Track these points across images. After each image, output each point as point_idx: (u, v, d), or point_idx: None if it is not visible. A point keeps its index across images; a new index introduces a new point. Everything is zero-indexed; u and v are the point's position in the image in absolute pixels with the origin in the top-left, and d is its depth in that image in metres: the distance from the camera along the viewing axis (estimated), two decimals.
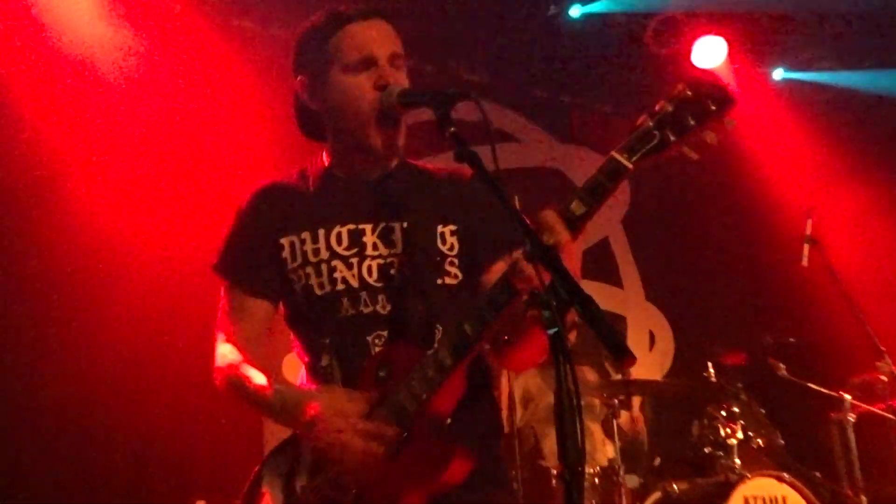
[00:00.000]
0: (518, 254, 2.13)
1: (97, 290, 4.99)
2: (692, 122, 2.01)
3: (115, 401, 4.93)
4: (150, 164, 5.25)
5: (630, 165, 2.05)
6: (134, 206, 5.13)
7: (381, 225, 2.43)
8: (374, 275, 2.39)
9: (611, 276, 7.33)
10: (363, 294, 2.38)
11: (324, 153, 2.57)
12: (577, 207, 2.09)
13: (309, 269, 2.41)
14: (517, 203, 2.13)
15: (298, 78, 2.49)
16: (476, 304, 2.20)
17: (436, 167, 2.60)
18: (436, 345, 2.29)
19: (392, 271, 2.39)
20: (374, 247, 2.41)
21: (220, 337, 2.51)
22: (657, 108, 2.05)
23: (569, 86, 7.36)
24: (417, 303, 2.36)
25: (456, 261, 2.43)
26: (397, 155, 2.47)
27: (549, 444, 5.42)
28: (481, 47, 6.89)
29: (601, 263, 7.26)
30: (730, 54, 6.83)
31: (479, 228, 2.44)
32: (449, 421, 2.27)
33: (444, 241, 2.43)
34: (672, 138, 2.03)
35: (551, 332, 1.75)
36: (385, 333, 2.36)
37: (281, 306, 2.53)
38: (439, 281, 2.40)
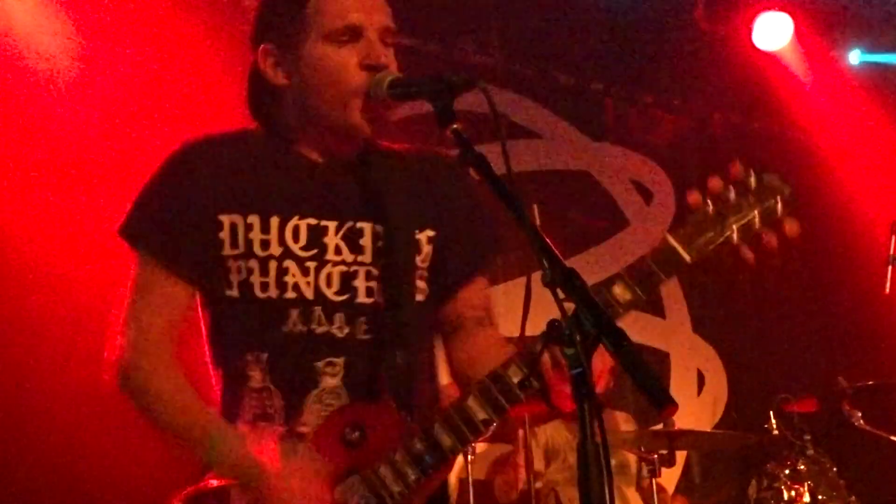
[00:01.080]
0: (535, 345, 2.16)
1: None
2: (758, 224, 2.20)
3: (45, 415, 4.99)
4: (96, 157, 5.30)
5: (689, 259, 2.18)
6: (82, 197, 5.20)
7: (348, 224, 2.39)
8: (334, 286, 2.36)
9: (650, 303, 7.32)
10: (317, 309, 2.34)
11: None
12: (621, 293, 2.23)
13: (252, 263, 2.34)
14: (535, 213, 2.13)
15: (261, 46, 2.42)
16: (491, 379, 2.21)
17: (407, 148, 2.56)
18: (416, 396, 2.30)
19: (355, 283, 2.37)
20: (337, 250, 2.37)
21: (133, 326, 2.34)
22: (713, 188, 2.18)
23: (601, 71, 7.37)
24: (383, 328, 2.34)
25: (425, 273, 2.43)
26: (383, 133, 2.43)
27: None
28: (495, 23, 6.91)
29: None
30: (797, 33, 6.84)
31: (458, 235, 2.46)
32: None
33: (419, 251, 2.43)
34: (735, 238, 2.19)
35: (575, 372, 1.74)
36: (339, 362, 2.33)
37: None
38: (413, 302, 2.40)
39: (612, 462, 5.62)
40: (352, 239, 2.38)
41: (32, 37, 5.35)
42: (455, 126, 2.09)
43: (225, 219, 2.35)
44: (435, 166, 2.51)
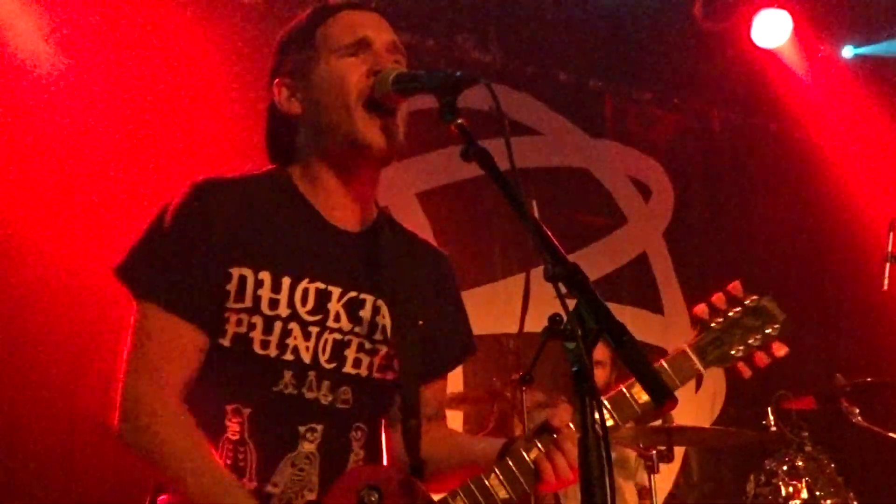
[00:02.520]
0: (563, 426, 2.34)
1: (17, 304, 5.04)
2: (755, 345, 2.53)
3: (44, 419, 4.99)
4: (91, 162, 5.28)
5: (703, 371, 2.50)
6: (79, 200, 5.19)
7: (351, 293, 2.40)
8: (327, 353, 2.36)
9: (649, 301, 7.33)
10: (311, 374, 2.34)
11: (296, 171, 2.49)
12: (640, 393, 2.40)
13: (256, 319, 2.31)
14: (534, 208, 2.14)
15: (275, 82, 2.47)
16: (514, 462, 2.33)
17: (418, 236, 2.64)
18: (454, 491, 2.33)
19: (346, 352, 2.38)
20: (336, 317, 2.38)
21: (145, 378, 2.28)
22: (720, 305, 2.53)
23: (601, 68, 7.37)
24: (364, 404, 2.40)
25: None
26: (396, 150, 2.41)
27: None
28: (494, 21, 6.91)
29: (638, 284, 7.26)
30: (795, 31, 6.84)
31: (440, 334, 2.54)
32: None
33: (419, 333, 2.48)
34: (737, 357, 2.53)
35: (576, 368, 1.75)
36: (319, 429, 2.33)
37: None
38: (417, 374, 2.46)
39: (613, 456, 5.65)
40: (352, 308, 2.39)
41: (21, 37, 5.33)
42: (459, 121, 2.10)
43: (235, 272, 2.31)
44: (436, 261, 2.62)
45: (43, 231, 5.10)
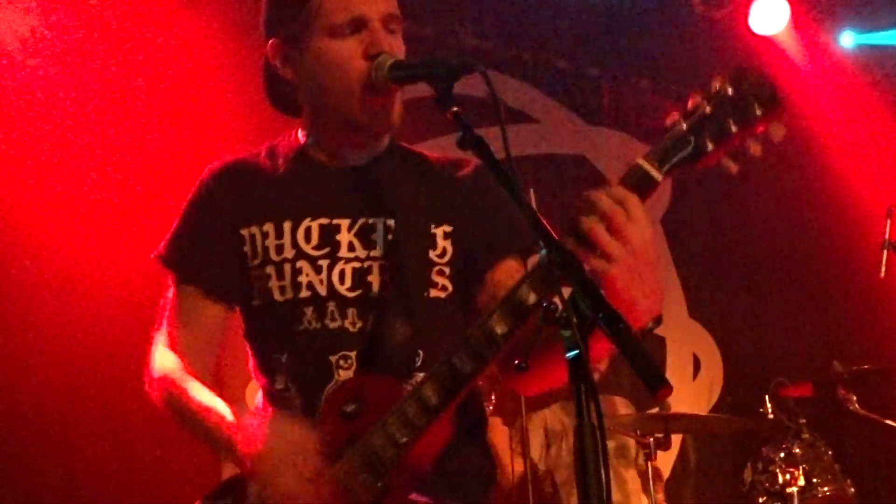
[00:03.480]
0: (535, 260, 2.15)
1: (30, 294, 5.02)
2: (734, 128, 2.02)
3: (43, 418, 4.97)
4: (89, 148, 5.25)
5: (660, 177, 2.04)
6: (71, 198, 5.15)
7: (361, 221, 2.42)
8: (347, 282, 2.39)
9: None
10: (330, 305, 2.38)
11: (298, 130, 2.57)
12: None
13: (270, 269, 2.41)
14: (531, 197, 2.14)
15: (270, 41, 2.48)
16: (472, 333, 2.17)
17: (434, 154, 2.60)
18: (419, 378, 2.29)
19: (369, 279, 2.39)
20: (350, 247, 2.41)
21: (161, 341, 2.50)
22: (691, 106, 2.05)
23: (599, 56, 7.37)
24: (396, 320, 2.35)
25: (446, 269, 2.43)
26: (390, 132, 2.47)
27: (573, 500, 5.43)
28: (491, 7, 6.90)
29: None
30: (793, 18, 6.84)
31: (480, 232, 2.45)
32: (431, 472, 2.27)
33: (434, 246, 2.43)
34: (709, 147, 2.03)
35: (571, 355, 1.75)
36: (353, 355, 2.36)
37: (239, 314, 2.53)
38: (426, 294, 2.41)
39: (612, 444, 5.68)
40: (364, 235, 2.41)
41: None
42: (455, 109, 2.10)
43: (245, 232, 2.45)
44: (458, 168, 2.53)
45: (41, 228, 5.08)
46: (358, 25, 2.36)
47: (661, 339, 7.20)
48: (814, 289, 7.53)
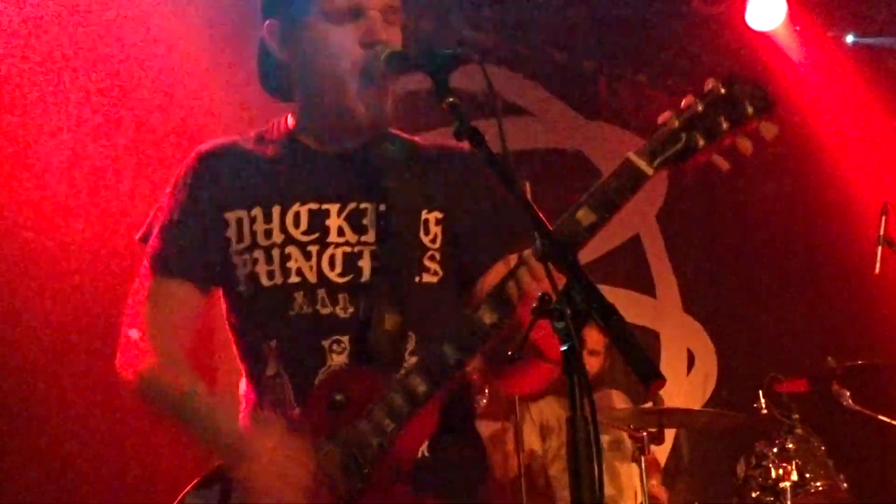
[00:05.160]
0: (527, 252, 2.15)
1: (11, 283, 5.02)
2: (725, 126, 2.12)
3: (29, 405, 4.97)
4: (78, 141, 5.23)
5: (651, 172, 2.13)
6: (58, 187, 5.14)
7: (351, 205, 2.42)
8: (338, 267, 2.38)
9: (641, 283, 7.34)
10: (321, 291, 2.37)
11: (289, 115, 2.56)
12: (584, 216, 2.17)
13: (257, 254, 2.39)
14: (527, 190, 2.14)
15: (266, 21, 2.47)
16: (462, 322, 2.19)
17: (426, 141, 2.60)
18: (411, 362, 2.30)
19: (360, 264, 2.39)
20: (340, 232, 2.40)
21: (129, 323, 2.46)
22: (684, 105, 2.14)
23: (596, 50, 7.36)
24: (387, 306, 2.35)
25: (437, 255, 2.43)
26: (383, 123, 2.46)
27: (566, 495, 5.44)
28: (488, 0, 6.89)
29: (630, 267, 7.27)
30: (790, 14, 6.83)
31: (472, 220, 2.46)
32: (418, 463, 2.28)
33: (427, 231, 2.44)
34: (701, 143, 2.13)
35: (565, 347, 1.75)
36: (345, 339, 2.35)
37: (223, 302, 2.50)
38: (418, 279, 2.41)
39: (608, 438, 5.67)
40: (355, 220, 2.40)
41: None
42: (451, 100, 2.10)
43: (231, 216, 2.43)
44: (450, 154, 2.53)
45: (29, 219, 5.07)
46: (357, 12, 2.36)
47: (656, 334, 7.21)
48: (808, 284, 7.54)
